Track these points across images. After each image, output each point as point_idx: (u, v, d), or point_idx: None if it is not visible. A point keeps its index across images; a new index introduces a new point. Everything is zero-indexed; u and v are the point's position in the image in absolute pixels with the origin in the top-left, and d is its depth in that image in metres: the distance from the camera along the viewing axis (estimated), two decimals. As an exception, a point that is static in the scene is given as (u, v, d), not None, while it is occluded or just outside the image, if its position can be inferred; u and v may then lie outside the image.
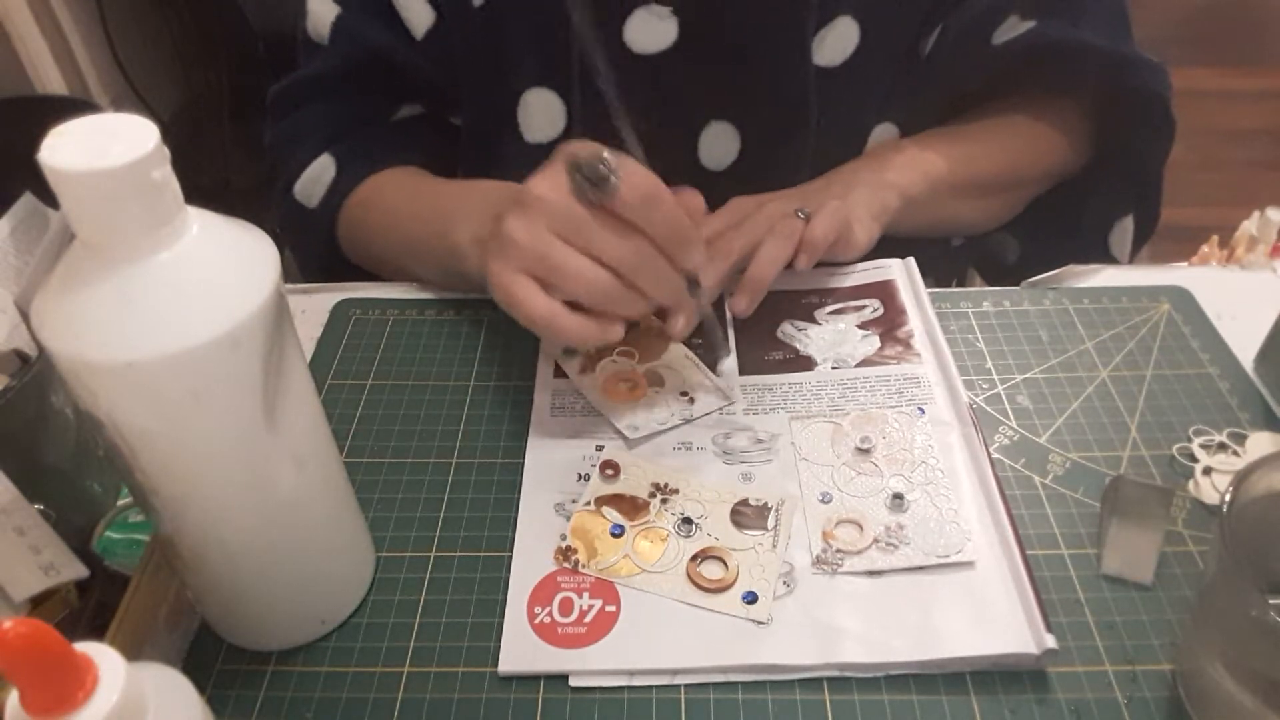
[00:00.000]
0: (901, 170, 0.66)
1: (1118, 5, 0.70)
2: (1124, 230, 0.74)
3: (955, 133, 0.71)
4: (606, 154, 0.49)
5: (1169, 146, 0.71)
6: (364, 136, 0.72)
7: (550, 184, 0.50)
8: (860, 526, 0.49)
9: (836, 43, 0.65)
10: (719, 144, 0.68)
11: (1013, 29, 0.68)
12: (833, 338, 0.60)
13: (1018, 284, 0.65)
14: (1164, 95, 0.69)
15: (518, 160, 0.67)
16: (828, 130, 0.67)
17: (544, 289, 0.51)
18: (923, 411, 0.55)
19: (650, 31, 0.64)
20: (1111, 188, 0.74)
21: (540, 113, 0.68)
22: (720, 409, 0.56)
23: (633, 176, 0.49)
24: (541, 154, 0.68)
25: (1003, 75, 0.69)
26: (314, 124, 0.72)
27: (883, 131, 0.70)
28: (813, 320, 0.62)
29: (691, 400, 0.57)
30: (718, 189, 0.63)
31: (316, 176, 0.71)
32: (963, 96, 0.72)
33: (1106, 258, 0.74)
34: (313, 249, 0.73)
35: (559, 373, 0.59)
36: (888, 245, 0.65)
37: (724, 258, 0.60)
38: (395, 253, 0.69)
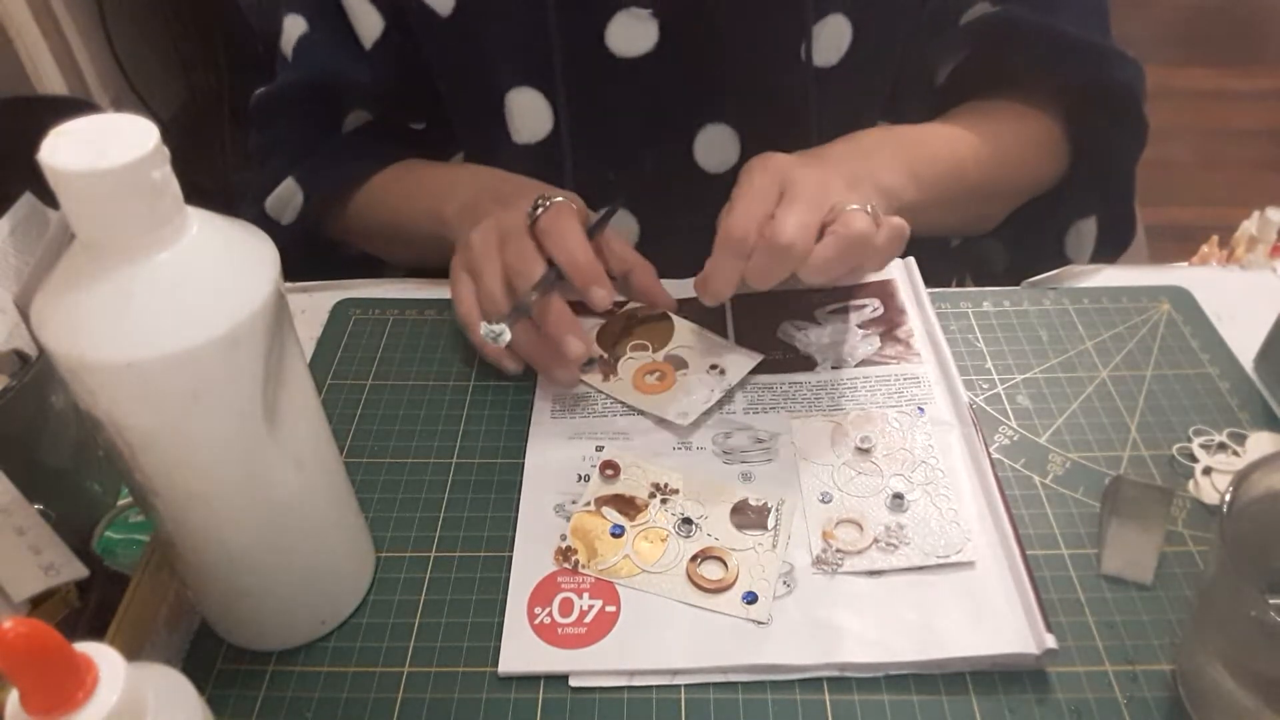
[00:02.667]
0: (894, 174, 0.63)
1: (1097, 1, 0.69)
2: (1080, 232, 0.71)
3: (946, 137, 0.70)
4: (548, 204, 0.56)
5: (1140, 147, 0.69)
6: (324, 156, 0.73)
7: (516, 212, 0.58)
8: (860, 526, 0.49)
9: (830, 41, 0.65)
10: (717, 147, 0.68)
11: (979, 13, 0.68)
12: (833, 337, 0.60)
13: (1018, 283, 0.65)
14: (1136, 91, 0.67)
15: (511, 162, 0.67)
16: (829, 131, 0.67)
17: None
18: (923, 411, 0.55)
19: (631, 34, 0.64)
20: (1075, 187, 0.71)
21: (526, 114, 0.68)
22: (749, 372, 0.57)
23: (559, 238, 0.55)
24: (531, 155, 0.68)
25: (976, 61, 0.68)
26: (281, 141, 0.74)
27: None
28: (813, 320, 0.62)
29: (722, 371, 0.57)
30: (717, 192, 0.63)
31: (287, 199, 0.72)
32: (951, 95, 0.71)
33: (1061, 260, 0.71)
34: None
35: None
36: None
37: (780, 254, 0.51)
38: (385, 226, 0.72)
